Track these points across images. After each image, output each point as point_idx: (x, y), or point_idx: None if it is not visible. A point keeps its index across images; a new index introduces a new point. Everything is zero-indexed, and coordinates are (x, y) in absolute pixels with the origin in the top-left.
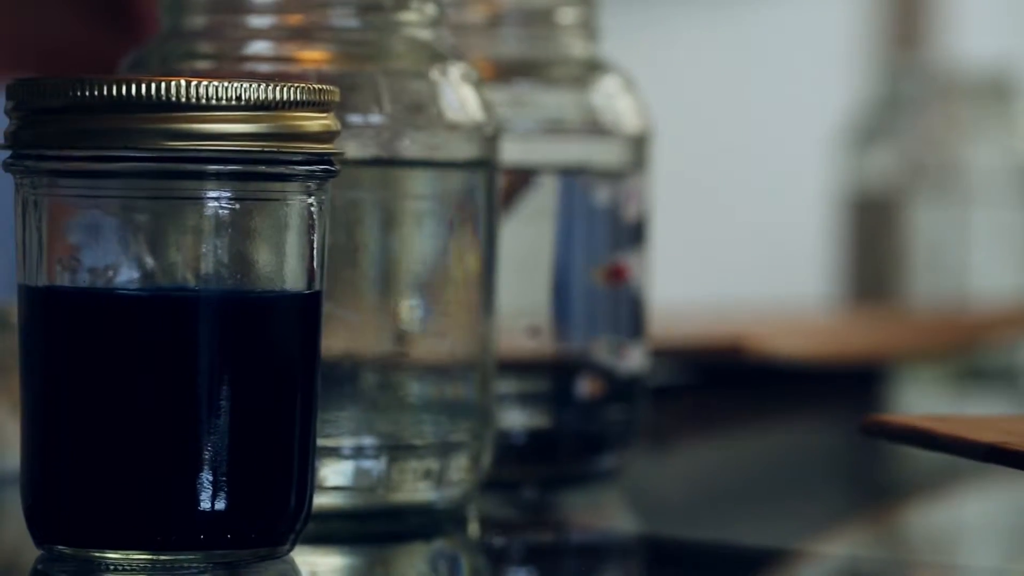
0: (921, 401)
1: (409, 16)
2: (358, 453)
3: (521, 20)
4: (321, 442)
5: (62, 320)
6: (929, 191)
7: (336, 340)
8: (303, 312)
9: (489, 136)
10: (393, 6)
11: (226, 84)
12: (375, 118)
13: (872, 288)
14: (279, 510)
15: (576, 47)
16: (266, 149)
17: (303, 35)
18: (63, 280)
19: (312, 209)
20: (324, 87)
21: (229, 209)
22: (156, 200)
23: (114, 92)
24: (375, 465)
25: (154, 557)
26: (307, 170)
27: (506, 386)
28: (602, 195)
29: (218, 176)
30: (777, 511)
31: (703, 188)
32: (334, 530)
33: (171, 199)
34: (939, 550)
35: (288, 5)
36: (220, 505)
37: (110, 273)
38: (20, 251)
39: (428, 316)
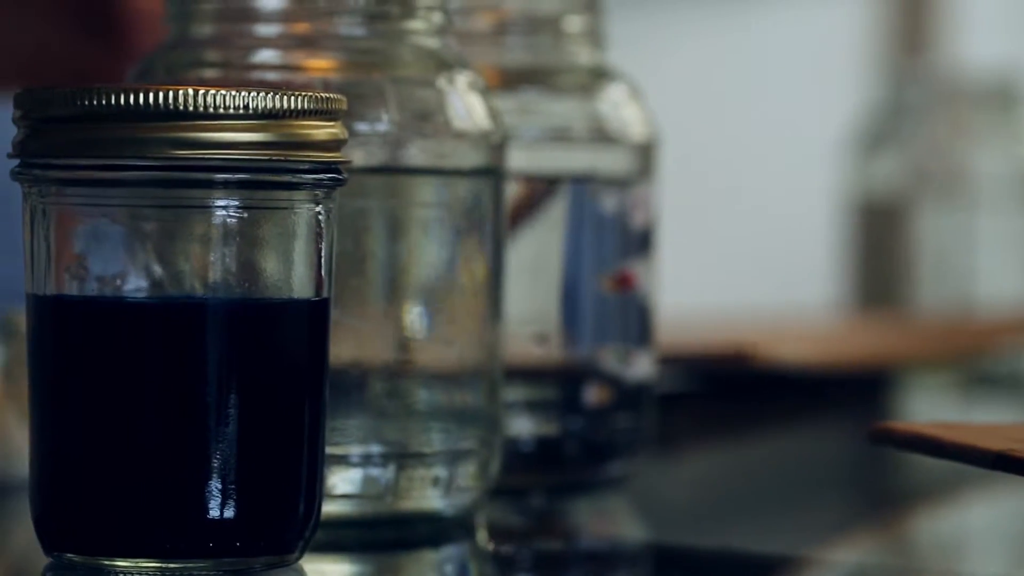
0: (928, 408)
1: (416, 24)
2: (366, 461)
3: (527, 28)
4: (329, 450)
5: (70, 329)
6: (935, 197)
7: (344, 348)
8: (311, 320)
9: (496, 144)
10: (400, 15)
11: (233, 93)
12: (382, 126)
13: (878, 294)
14: (288, 518)
15: (582, 55)
16: (274, 158)
17: (310, 44)
18: (71, 289)
19: (320, 217)
20: (331, 96)
21: (237, 218)
22: (164, 209)
23: (122, 101)
24: (383, 473)
25: (163, 565)
26: (315, 178)
27: (513, 393)
28: (609, 203)
29: (226, 185)
30: (784, 518)
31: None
32: (343, 538)
33: (179, 208)
34: (946, 557)
35: (295, 14)
36: (229, 513)
37: (118, 282)
38: (28, 260)
39: (435, 323)
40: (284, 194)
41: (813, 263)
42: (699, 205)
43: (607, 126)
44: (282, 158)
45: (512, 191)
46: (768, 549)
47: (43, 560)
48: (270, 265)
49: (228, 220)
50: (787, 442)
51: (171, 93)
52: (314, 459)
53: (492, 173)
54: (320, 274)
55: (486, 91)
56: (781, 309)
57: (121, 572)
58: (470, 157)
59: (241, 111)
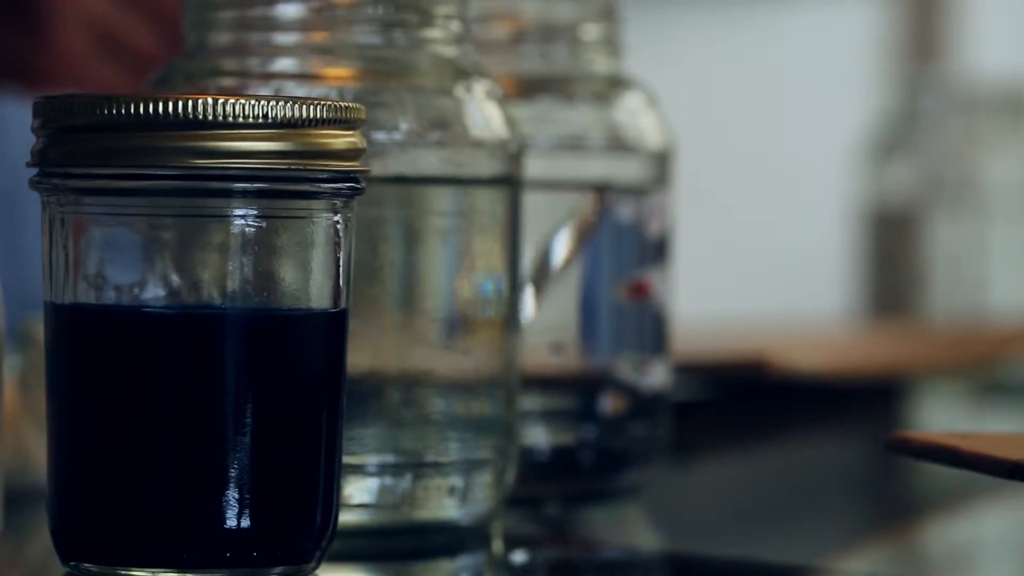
0: (941, 416)
1: (434, 33)
2: (383, 470)
3: (544, 37)
4: (346, 459)
5: (88, 338)
6: (948, 205)
7: (361, 357)
8: (329, 330)
9: (513, 153)
10: (418, 23)
11: (252, 102)
12: (399, 135)
13: (892, 302)
14: (305, 528)
15: (599, 63)
16: (292, 167)
17: (328, 52)
18: (89, 298)
19: (338, 226)
20: (350, 104)
21: (255, 227)
22: (182, 218)
23: (140, 110)
24: (400, 482)
25: (180, 575)
26: (333, 188)
27: (530, 403)
28: (625, 211)
29: (244, 194)
30: (799, 527)
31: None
32: (359, 547)
33: (197, 217)
34: (960, 567)
35: (313, 23)
36: (246, 523)
37: (136, 291)
38: (46, 269)
39: (452, 333)
40: (302, 203)
41: (826, 271)
42: (713, 214)
43: (623, 134)
44: (300, 167)
45: (576, 206)
46: (783, 558)
47: (60, 570)
48: (288, 274)
49: (246, 229)
50: (801, 451)
51: (190, 102)
52: (331, 469)
53: (509, 182)
54: (338, 283)
55: (503, 100)
56: (795, 317)
57: None
58: (487, 166)
59: (260, 120)
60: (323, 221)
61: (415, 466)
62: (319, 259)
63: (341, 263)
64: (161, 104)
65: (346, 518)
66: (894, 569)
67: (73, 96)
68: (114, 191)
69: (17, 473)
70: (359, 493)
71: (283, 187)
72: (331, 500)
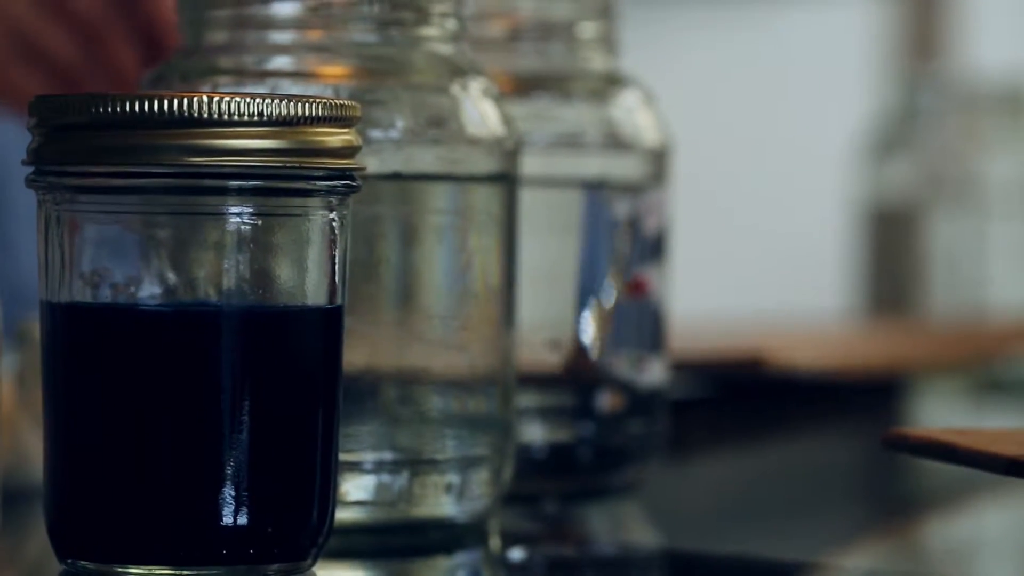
0: (940, 413)
1: (430, 31)
2: (379, 467)
3: (541, 34)
4: (343, 456)
5: (84, 336)
6: (947, 203)
7: (357, 354)
8: (325, 327)
9: (509, 150)
10: (414, 21)
11: (247, 100)
12: (395, 133)
13: (890, 300)
14: (301, 525)
15: (595, 61)
16: (288, 165)
17: (324, 51)
18: (85, 296)
19: (334, 224)
20: (345, 102)
21: (251, 224)
22: (178, 216)
23: (136, 108)
24: (396, 479)
25: (177, 572)
26: (328, 185)
27: (527, 400)
28: (622, 209)
29: (240, 192)
30: (797, 524)
31: (722, 201)
32: (356, 544)
33: (193, 215)
34: (959, 564)
35: (309, 21)
36: (242, 520)
37: (132, 289)
38: (42, 267)
39: (448, 330)
40: (298, 201)
41: (825, 269)
42: (713, 212)
43: (620, 132)
44: (296, 165)
45: None
46: (781, 555)
47: (57, 567)
48: (284, 272)
49: (242, 227)
50: (800, 448)
51: (185, 100)
52: (327, 466)
53: (506, 179)
54: (334, 281)
55: (499, 97)
56: (793, 315)
57: None
58: (484, 163)
59: (255, 118)
60: (319, 218)
61: (412, 463)
62: (315, 256)
63: (337, 260)
64: (156, 102)
65: (343, 515)
66: (892, 566)
67: (68, 94)
68: (109, 189)
69: (14, 471)
70: (356, 490)
71: (279, 185)
72: (327, 497)
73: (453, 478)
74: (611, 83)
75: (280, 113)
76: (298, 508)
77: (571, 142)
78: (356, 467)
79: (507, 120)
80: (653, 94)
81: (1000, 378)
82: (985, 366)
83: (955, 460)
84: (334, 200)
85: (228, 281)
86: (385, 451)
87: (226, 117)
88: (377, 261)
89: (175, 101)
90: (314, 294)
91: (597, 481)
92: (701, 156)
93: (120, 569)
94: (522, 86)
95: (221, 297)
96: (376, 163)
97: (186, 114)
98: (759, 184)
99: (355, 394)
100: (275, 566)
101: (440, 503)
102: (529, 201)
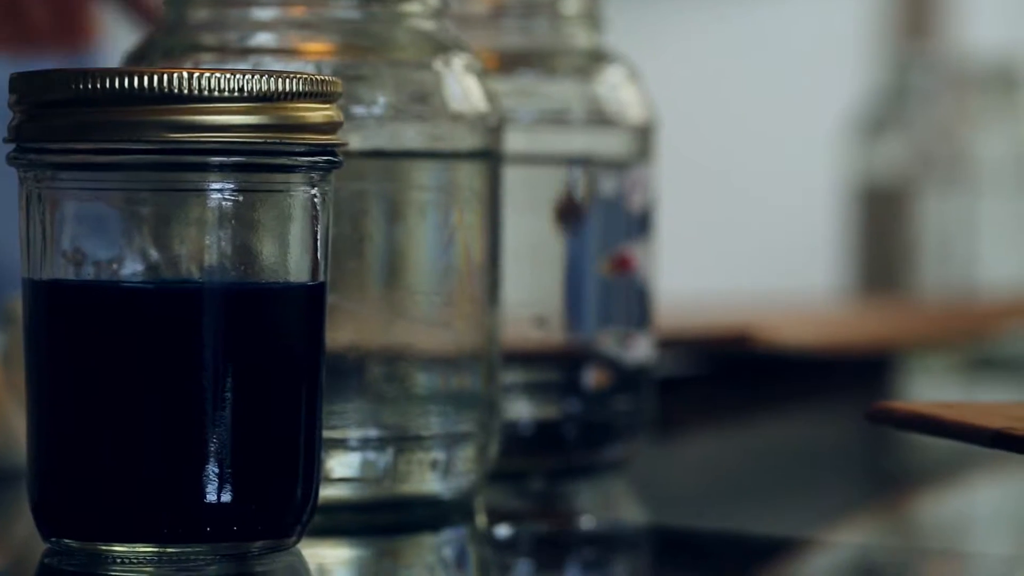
0: (930, 390)
1: (412, 7)
2: (364, 444)
3: (524, 11)
4: (327, 434)
5: (67, 314)
6: (938, 181)
7: (342, 332)
8: (308, 303)
9: (493, 127)
10: None
11: (229, 76)
12: (378, 109)
13: (881, 278)
14: (285, 502)
15: (580, 37)
16: (269, 140)
17: (307, 27)
18: (67, 274)
19: (316, 200)
20: (327, 78)
21: (232, 201)
22: (160, 192)
23: (117, 85)
24: (381, 456)
25: (160, 550)
26: (310, 161)
27: (513, 376)
28: (607, 185)
29: (221, 168)
30: (786, 501)
31: (712, 178)
32: (341, 522)
33: (174, 191)
34: (950, 537)
35: None
36: (226, 497)
37: (114, 266)
38: (24, 245)
39: (432, 307)
40: (280, 177)
41: (816, 247)
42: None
43: (605, 108)
44: (277, 140)
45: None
46: (770, 531)
47: (42, 546)
48: (266, 248)
49: (224, 203)
50: (789, 425)
51: (166, 76)
52: (311, 443)
53: (489, 155)
54: (316, 257)
55: (483, 73)
56: (783, 292)
57: (119, 557)
58: (467, 140)
59: (236, 94)
60: (300, 194)
61: (397, 440)
62: (297, 233)
63: (319, 237)
64: (137, 78)
65: (328, 492)
66: (883, 540)
67: (49, 71)
68: (90, 166)
69: (1, 451)
70: (341, 467)
71: (260, 160)
72: (312, 474)
73: (438, 455)
74: (595, 59)
75: (261, 89)
76: (282, 485)
77: (556, 119)
78: (341, 444)
79: (490, 96)
80: (638, 70)
81: (991, 355)
82: (976, 344)
83: (941, 433)
84: (316, 176)
85: (210, 258)
86: (370, 428)
87: (207, 93)
88: (360, 238)
89: (156, 77)
90: (296, 271)
91: (583, 458)
92: (692, 134)
93: (104, 547)
94: (506, 63)
95: (203, 274)
96: (359, 139)
97: (167, 90)
98: (750, 163)
99: (339, 371)
100: (259, 543)
101: (425, 480)
102: (514, 178)
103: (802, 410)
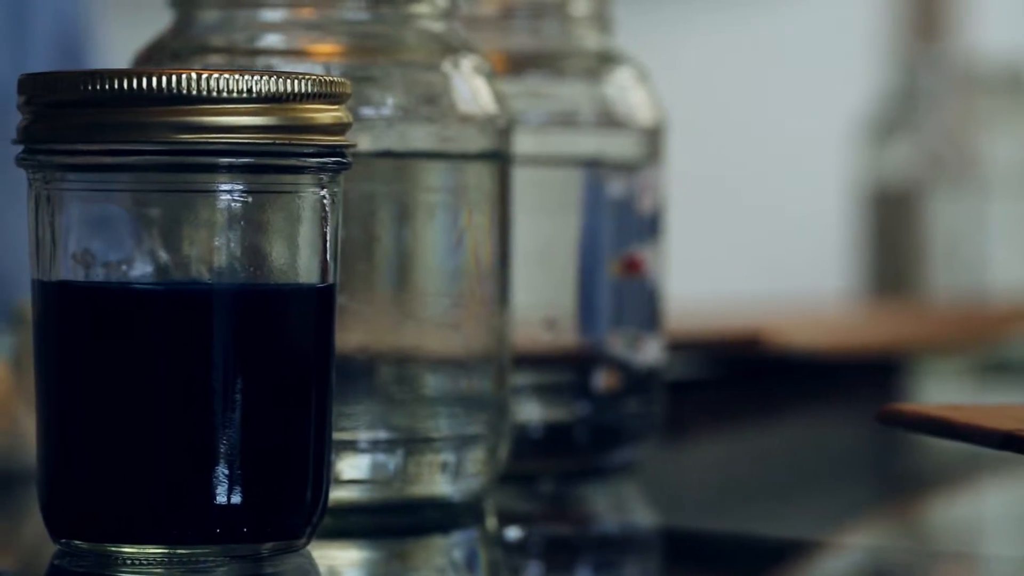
0: (940, 394)
1: (421, 8)
2: (374, 446)
3: (534, 12)
4: (337, 436)
5: (76, 315)
6: (948, 184)
7: (351, 333)
8: (317, 305)
9: (502, 128)
10: None
11: (237, 77)
12: (387, 110)
13: (891, 281)
14: (295, 504)
15: (589, 39)
16: (278, 141)
17: (315, 28)
18: (77, 275)
19: (325, 201)
20: (336, 79)
21: (242, 202)
22: (169, 193)
23: (126, 86)
24: (391, 458)
25: (170, 551)
26: (319, 162)
27: (523, 379)
28: (616, 187)
29: (230, 169)
30: (796, 503)
31: (722, 181)
32: (351, 524)
33: (184, 192)
34: (960, 540)
35: None
36: (236, 499)
37: (124, 267)
38: (33, 247)
39: (442, 308)
40: (289, 178)
41: (826, 250)
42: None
43: (614, 110)
44: (286, 142)
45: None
46: (780, 533)
47: (52, 547)
48: (275, 250)
49: (233, 205)
50: (799, 428)
51: (175, 77)
52: (321, 445)
53: (498, 157)
54: (326, 259)
55: (492, 75)
56: (793, 295)
57: (128, 558)
58: (476, 141)
59: (245, 95)
60: (310, 196)
61: (407, 442)
62: (306, 234)
63: (328, 238)
64: (146, 79)
65: (338, 494)
66: (893, 543)
67: (58, 72)
68: (100, 167)
69: (11, 454)
70: (351, 469)
71: (269, 162)
72: (321, 476)
73: (448, 457)
74: (605, 61)
75: (270, 90)
76: (292, 487)
77: (565, 120)
78: (351, 446)
79: (499, 97)
80: (647, 72)
81: (1001, 358)
82: (986, 347)
83: (951, 435)
84: (325, 177)
85: (219, 259)
86: (380, 430)
87: (216, 94)
88: (370, 239)
89: (165, 78)
90: (306, 272)
91: (594, 460)
92: (703, 137)
93: (114, 548)
94: (515, 64)
95: (213, 275)
96: (368, 141)
97: (176, 91)
98: (758, 164)
99: (349, 373)
100: (269, 545)
101: (435, 482)
102: (524, 180)
103: (812, 413)
